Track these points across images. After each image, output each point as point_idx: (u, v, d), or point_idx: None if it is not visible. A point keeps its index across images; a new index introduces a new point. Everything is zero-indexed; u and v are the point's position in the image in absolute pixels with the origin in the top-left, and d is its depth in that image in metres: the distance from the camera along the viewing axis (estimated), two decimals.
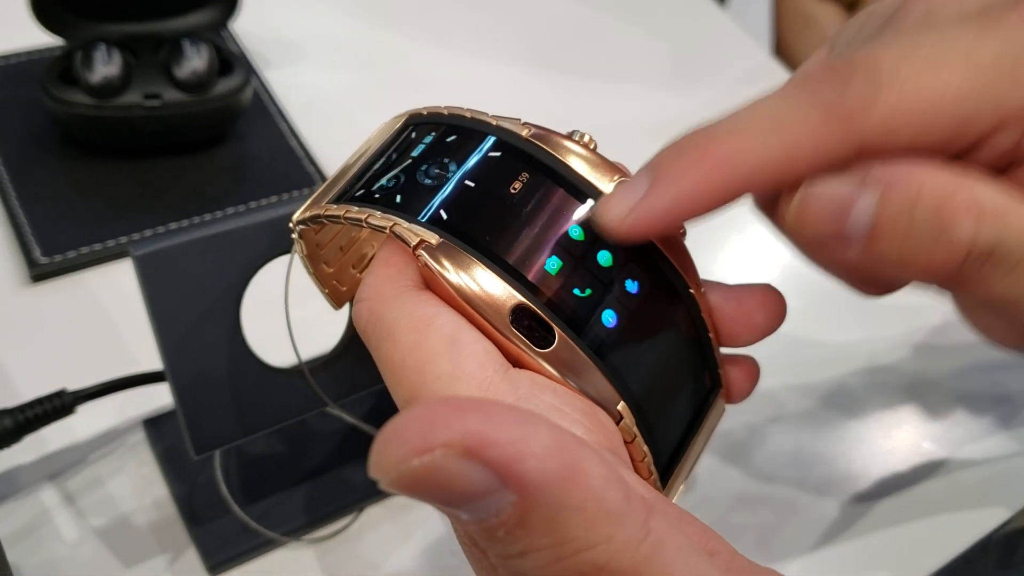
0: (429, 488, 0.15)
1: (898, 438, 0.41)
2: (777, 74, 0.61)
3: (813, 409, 0.42)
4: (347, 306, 0.28)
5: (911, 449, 0.41)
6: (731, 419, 0.40)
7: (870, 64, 0.20)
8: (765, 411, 0.41)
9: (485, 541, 0.16)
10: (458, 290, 0.20)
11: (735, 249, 0.49)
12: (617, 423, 0.21)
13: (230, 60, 0.45)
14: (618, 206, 0.21)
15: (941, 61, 0.20)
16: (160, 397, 0.36)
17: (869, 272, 0.25)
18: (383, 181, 0.23)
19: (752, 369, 0.25)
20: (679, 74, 0.60)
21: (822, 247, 0.21)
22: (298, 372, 0.30)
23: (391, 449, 0.15)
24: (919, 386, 0.43)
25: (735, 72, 0.61)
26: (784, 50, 0.80)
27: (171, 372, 0.27)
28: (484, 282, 0.20)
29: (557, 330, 0.20)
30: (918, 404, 0.42)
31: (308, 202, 0.24)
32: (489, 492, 0.15)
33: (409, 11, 0.60)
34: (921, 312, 0.46)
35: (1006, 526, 0.39)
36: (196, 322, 0.27)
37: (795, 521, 0.38)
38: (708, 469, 0.39)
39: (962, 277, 0.21)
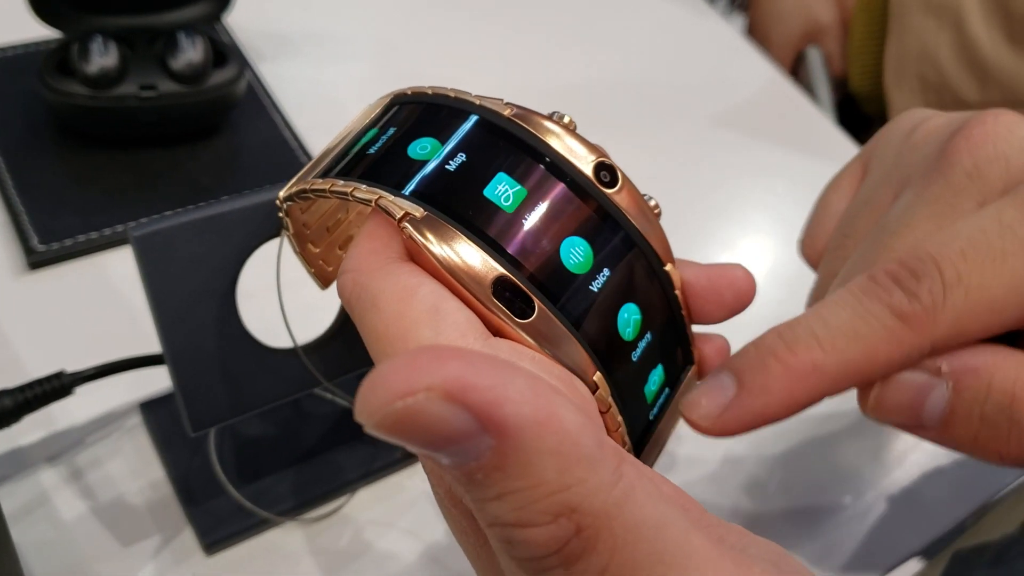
0: (411, 430, 0.16)
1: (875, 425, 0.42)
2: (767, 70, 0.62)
3: None
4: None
5: (889, 435, 0.41)
6: None
7: (932, 267, 0.22)
8: None
9: (464, 485, 0.17)
10: (442, 262, 0.20)
11: (725, 239, 0.50)
12: (593, 393, 0.21)
13: (224, 52, 0.46)
14: (707, 405, 0.23)
15: (1000, 254, 0.21)
16: (156, 381, 0.37)
17: None
18: (368, 156, 0.23)
19: (723, 347, 0.26)
20: (664, 62, 0.61)
21: (903, 429, 0.23)
22: (292, 352, 0.31)
23: (376, 392, 0.15)
24: None
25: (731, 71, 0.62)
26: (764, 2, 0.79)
27: (168, 350, 0.28)
28: (467, 255, 0.21)
29: (537, 302, 0.21)
30: None
31: (295, 178, 0.24)
32: (469, 435, 0.16)
33: (401, 4, 0.61)
34: None
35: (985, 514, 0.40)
36: (193, 301, 0.28)
37: (774, 508, 0.38)
38: (686, 457, 0.39)
39: None
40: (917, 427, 0.23)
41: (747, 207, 0.52)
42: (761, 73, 0.62)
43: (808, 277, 0.31)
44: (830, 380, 0.22)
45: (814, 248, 0.32)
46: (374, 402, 0.15)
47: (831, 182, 0.31)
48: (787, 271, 0.48)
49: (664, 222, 0.24)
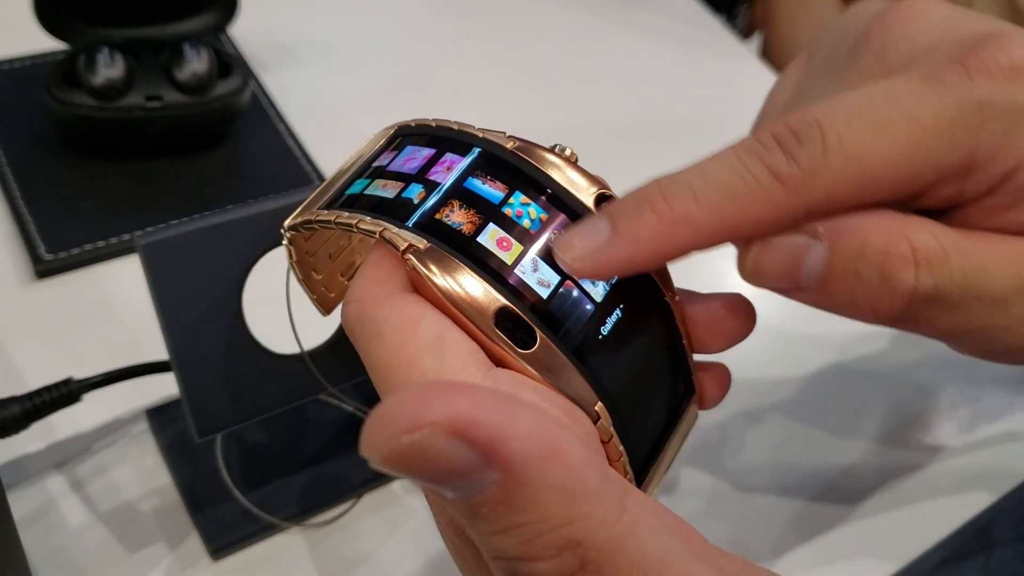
0: (417, 465, 0.16)
1: (875, 430, 0.42)
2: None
3: (790, 403, 0.43)
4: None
5: (887, 440, 0.42)
6: (708, 415, 0.41)
7: (816, 130, 0.22)
8: (742, 406, 0.42)
9: (469, 519, 0.17)
10: (445, 293, 0.21)
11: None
12: (595, 423, 0.21)
13: (229, 63, 0.46)
14: (580, 247, 0.22)
15: (883, 124, 0.21)
16: (163, 388, 0.37)
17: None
18: (372, 189, 0.23)
19: (723, 376, 0.26)
20: (669, 81, 0.61)
21: (783, 294, 0.23)
22: (298, 358, 0.31)
23: (382, 428, 0.16)
24: (893, 378, 0.44)
25: (727, 76, 0.62)
26: (779, 30, 0.79)
27: (175, 357, 0.29)
28: (469, 286, 0.21)
29: (538, 332, 0.21)
30: (894, 397, 0.43)
31: (300, 209, 0.25)
32: (474, 470, 0.16)
33: (404, 16, 0.62)
34: None
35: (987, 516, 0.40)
36: (199, 308, 0.28)
37: (774, 513, 0.39)
38: (685, 464, 0.40)
39: (909, 318, 0.22)
40: (795, 289, 0.23)
41: None
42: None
43: None
44: (701, 234, 0.22)
45: None
46: (380, 437, 0.16)
47: (781, 74, 0.31)
48: None
49: None
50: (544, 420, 0.17)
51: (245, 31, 0.54)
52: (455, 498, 0.17)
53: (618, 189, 0.24)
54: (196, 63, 0.44)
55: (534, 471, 0.16)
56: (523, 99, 0.57)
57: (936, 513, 0.39)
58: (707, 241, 0.22)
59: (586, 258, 0.22)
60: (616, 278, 0.23)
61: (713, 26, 0.66)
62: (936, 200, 0.23)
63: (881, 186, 0.22)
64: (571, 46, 0.62)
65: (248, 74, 0.47)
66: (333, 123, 0.52)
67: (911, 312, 0.22)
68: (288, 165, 0.48)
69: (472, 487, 0.16)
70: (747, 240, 0.23)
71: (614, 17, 0.65)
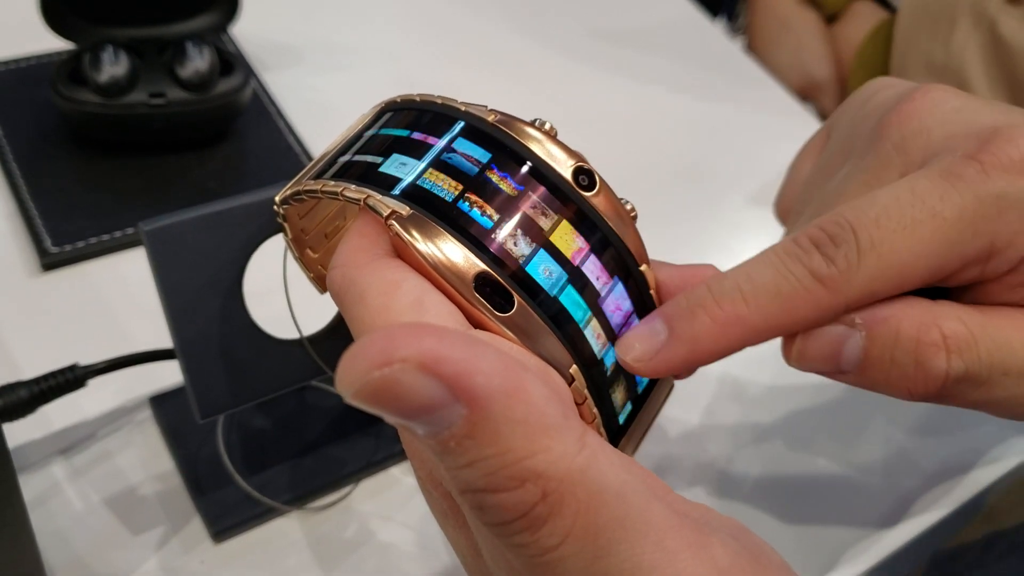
0: (388, 398, 0.17)
1: (861, 422, 0.43)
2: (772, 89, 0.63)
3: (788, 408, 0.43)
4: None
5: (887, 444, 0.42)
6: (693, 403, 0.42)
7: (849, 233, 0.24)
8: (740, 412, 0.43)
9: (439, 454, 0.18)
10: (426, 258, 0.22)
11: (711, 245, 0.51)
12: (569, 385, 0.22)
13: (231, 61, 0.47)
14: (640, 348, 0.24)
15: (911, 223, 0.23)
16: (166, 377, 0.38)
17: None
18: (359, 159, 0.24)
19: None
20: (656, 78, 0.62)
21: (822, 375, 0.25)
22: (297, 343, 0.32)
23: (355, 363, 0.17)
24: None
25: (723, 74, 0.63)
26: (758, 49, 0.81)
27: (177, 340, 0.29)
28: (450, 251, 0.22)
29: (516, 296, 0.22)
30: (893, 402, 0.44)
31: (290, 183, 0.25)
32: (441, 404, 0.17)
33: (403, 15, 0.62)
34: None
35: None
36: (201, 293, 0.29)
37: (768, 518, 0.39)
38: (678, 468, 0.40)
39: (941, 396, 0.24)
40: (837, 372, 0.25)
41: (743, 217, 0.53)
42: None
43: None
44: (753, 332, 0.24)
45: (782, 210, 0.35)
46: (353, 373, 0.17)
47: (801, 148, 0.34)
48: None
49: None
50: (508, 360, 0.18)
51: (246, 30, 0.55)
52: (425, 434, 0.18)
53: (623, 192, 0.25)
54: (198, 61, 0.45)
55: (498, 405, 0.17)
56: (523, 99, 0.58)
57: (935, 516, 0.39)
58: (757, 338, 0.24)
59: (647, 359, 0.24)
60: (590, 250, 0.24)
61: (712, 30, 0.67)
62: (960, 281, 0.25)
63: (911, 278, 0.24)
64: (571, 47, 0.63)
65: (249, 72, 0.48)
66: (333, 120, 0.52)
67: (944, 392, 0.24)
68: (288, 161, 0.49)
69: (440, 422, 0.17)
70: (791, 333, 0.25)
71: (616, 20, 0.66)
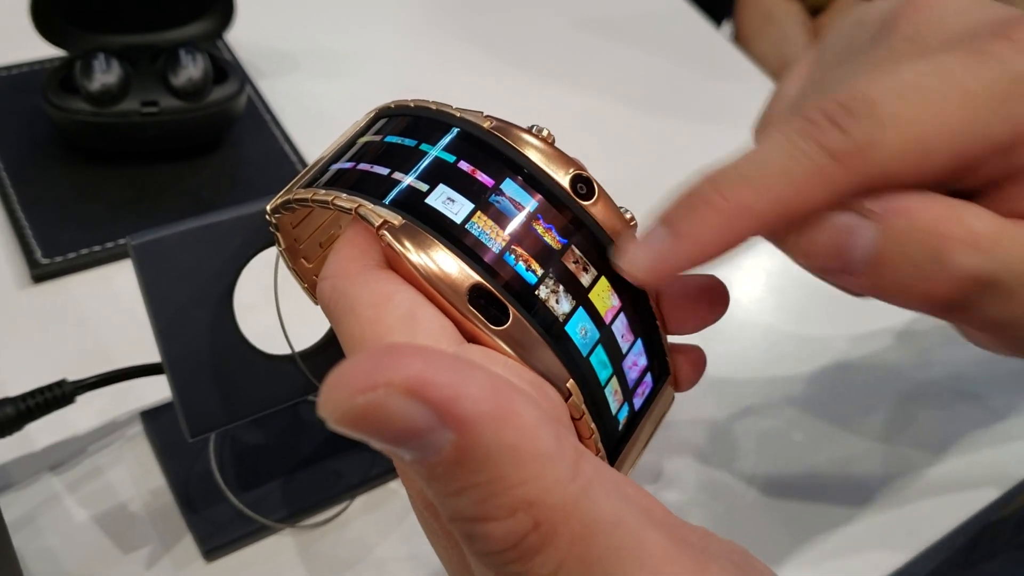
0: (372, 424, 0.16)
1: (875, 430, 0.42)
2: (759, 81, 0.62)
3: (790, 403, 0.43)
4: None
5: (886, 440, 0.42)
6: (707, 412, 0.42)
7: (867, 105, 0.21)
8: (739, 404, 0.42)
9: (427, 481, 0.17)
10: (419, 269, 0.21)
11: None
12: (566, 400, 0.22)
13: (225, 69, 0.47)
14: (644, 258, 0.22)
15: (936, 96, 0.21)
16: (157, 391, 0.37)
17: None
18: (351, 166, 0.24)
19: (699, 358, 0.26)
20: (656, 85, 0.61)
21: (832, 277, 0.23)
22: (289, 358, 0.31)
23: (338, 388, 0.16)
24: (892, 378, 0.44)
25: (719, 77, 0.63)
26: (743, 40, 0.80)
27: (166, 356, 0.29)
28: (443, 263, 0.21)
29: (511, 309, 0.21)
30: (893, 397, 0.44)
31: (282, 191, 0.25)
32: (429, 430, 0.16)
33: (399, 22, 0.62)
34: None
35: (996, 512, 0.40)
36: (191, 308, 0.28)
37: (768, 513, 0.39)
38: (677, 461, 0.40)
39: (960, 305, 0.22)
40: (845, 271, 0.22)
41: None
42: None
43: (800, 280, 0.32)
44: (760, 220, 0.22)
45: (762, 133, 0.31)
46: (336, 397, 0.16)
47: (788, 70, 0.31)
48: (779, 281, 0.48)
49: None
50: (498, 381, 0.17)
51: (241, 37, 0.55)
52: (412, 460, 0.17)
53: (624, 198, 0.24)
54: (192, 69, 0.45)
55: (488, 431, 0.16)
56: (521, 105, 0.57)
57: (935, 514, 0.39)
58: (768, 227, 0.22)
59: (653, 267, 0.22)
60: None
61: (708, 32, 0.67)
62: (979, 179, 0.22)
63: (936, 160, 0.21)
64: (568, 52, 0.62)
65: (244, 80, 0.48)
66: (329, 128, 0.52)
67: (963, 298, 0.22)
68: (284, 170, 0.48)
69: (428, 448, 0.16)
70: (801, 220, 0.22)
71: (611, 25, 0.65)
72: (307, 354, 0.32)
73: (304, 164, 0.49)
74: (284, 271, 0.29)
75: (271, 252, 0.29)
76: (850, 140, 0.21)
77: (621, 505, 0.18)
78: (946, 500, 0.39)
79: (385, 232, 0.21)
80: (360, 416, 0.16)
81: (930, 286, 0.21)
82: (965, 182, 0.22)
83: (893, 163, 0.21)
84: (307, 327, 0.32)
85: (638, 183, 0.53)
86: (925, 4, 0.24)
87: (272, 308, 0.31)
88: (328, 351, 0.32)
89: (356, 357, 0.16)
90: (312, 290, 0.29)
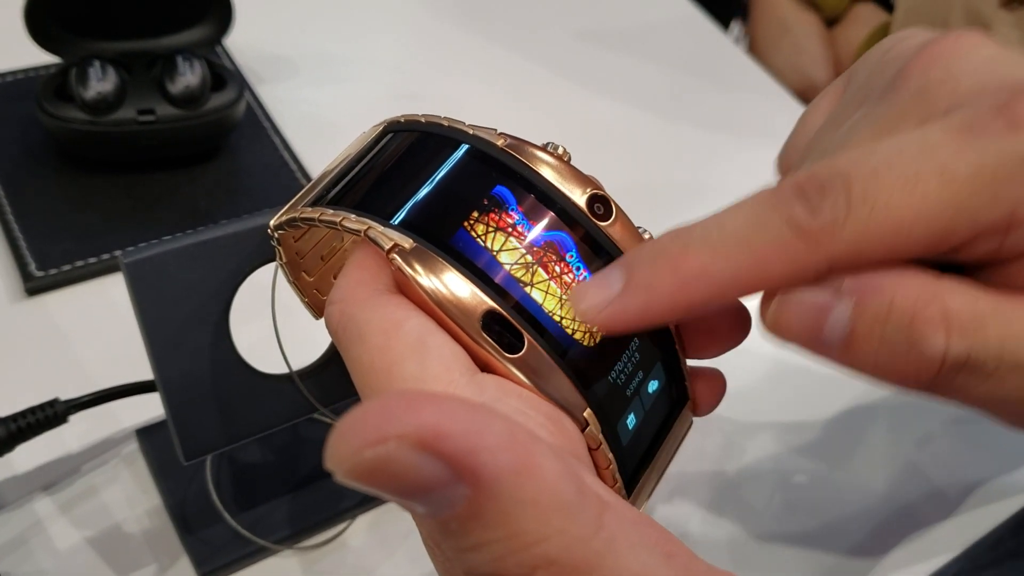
0: (382, 479, 0.15)
1: (881, 443, 0.41)
2: (787, 102, 0.62)
3: (796, 415, 0.42)
4: None
5: (893, 454, 0.41)
6: (710, 426, 0.41)
7: (843, 182, 0.20)
8: (746, 418, 0.42)
9: (440, 535, 0.16)
10: (430, 294, 0.20)
11: None
12: (583, 430, 0.21)
13: (223, 76, 0.46)
14: (593, 298, 0.21)
15: (913, 178, 0.20)
16: (153, 407, 0.36)
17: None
18: (359, 185, 0.23)
19: (718, 383, 0.25)
20: (671, 93, 0.60)
21: (805, 351, 0.22)
22: (287, 378, 0.30)
23: (346, 440, 0.15)
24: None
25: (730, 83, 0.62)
26: (758, 50, 0.80)
27: (160, 378, 0.28)
28: (456, 287, 0.20)
29: (527, 336, 0.20)
30: (899, 410, 0.43)
31: (286, 207, 0.24)
32: (443, 484, 0.15)
33: (400, 28, 0.61)
34: None
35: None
36: (185, 328, 0.28)
37: (776, 529, 0.38)
38: (684, 477, 0.39)
39: (938, 385, 0.21)
40: (818, 346, 0.21)
41: None
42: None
43: None
44: (717, 288, 0.21)
45: (784, 165, 0.30)
46: (344, 451, 0.15)
47: (814, 100, 0.30)
48: None
49: None
50: (516, 431, 0.16)
51: (240, 43, 0.54)
52: (424, 514, 0.16)
53: (636, 209, 0.24)
54: (189, 76, 0.44)
55: (506, 485, 0.15)
56: (522, 111, 0.56)
57: (946, 528, 0.38)
58: (724, 296, 0.21)
59: (597, 310, 0.21)
60: None
61: (721, 41, 0.66)
62: (974, 256, 0.21)
63: (911, 241, 0.20)
64: (572, 58, 0.61)
65: (243, 86, 0.47)
66: (329, 135, 0.51)
67: (941, 380, 0.21)
68: (284, 178, 0.47)
69: (441, 502, 0.16)
70: (769, 294, 0.22)
71: (616, 30, 0.64)
72: (306, 373, 0.31)
73: (304, 172, 0.48)
74: (281, 287, 0.28)
75: (268, 266, 0.28)
76: (817, 218, 0.20)
77: (646, 558, 0.17)
78: (964, 517, 0.39)
79: (395, 256, 0.21)
80: (368, 472, 0.15)
81: (905, 368, 0.21)
82: (961, 256, 0.21)
83: (863, 243, 0.20)
84: (305, 344, 0.31)
85: (650, 193, 0.52)
86: (939, 56, 0.23)
87: (268, 323, 0.30)
88: (328, 370, 0.31)
89: (365, 405, 0.15)
90: (313, 304, 0.29)
